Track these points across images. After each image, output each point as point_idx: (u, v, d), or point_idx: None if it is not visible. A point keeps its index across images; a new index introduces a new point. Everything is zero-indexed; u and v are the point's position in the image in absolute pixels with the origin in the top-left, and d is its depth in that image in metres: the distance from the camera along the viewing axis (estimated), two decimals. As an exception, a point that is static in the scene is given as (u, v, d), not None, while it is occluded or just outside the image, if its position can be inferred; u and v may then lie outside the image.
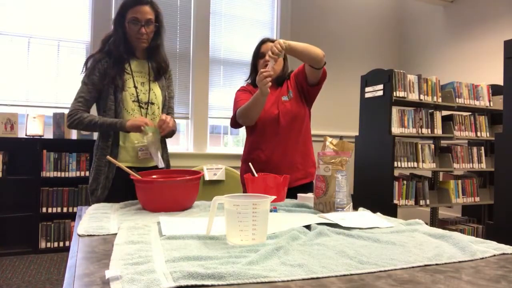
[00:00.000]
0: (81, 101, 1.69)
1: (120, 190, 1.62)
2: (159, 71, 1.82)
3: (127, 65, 1.75)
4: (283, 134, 1.95)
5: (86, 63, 1.73)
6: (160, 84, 1.83)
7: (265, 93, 1.74)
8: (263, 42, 2.04)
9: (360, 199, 3.34)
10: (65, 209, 3.53)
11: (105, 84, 1.69)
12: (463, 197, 3.55)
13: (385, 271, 0.76)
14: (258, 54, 2.02)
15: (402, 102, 3.37)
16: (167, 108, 1.88)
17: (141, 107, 1.75)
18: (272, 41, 2.03)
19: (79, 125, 1.67)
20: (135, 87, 1.74)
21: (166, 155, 1.87)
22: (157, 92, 1.80)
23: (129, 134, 1.71)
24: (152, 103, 1.78)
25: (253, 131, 2.01)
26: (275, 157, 1.94)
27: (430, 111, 3.48)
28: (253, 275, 0.69)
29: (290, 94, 2.00)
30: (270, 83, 1.72)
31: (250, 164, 1.72)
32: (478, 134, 3.67)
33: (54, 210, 3.50)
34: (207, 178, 2.16)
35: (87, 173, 3.56)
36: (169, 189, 1.32)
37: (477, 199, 3.64)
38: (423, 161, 3.37)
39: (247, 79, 2.13)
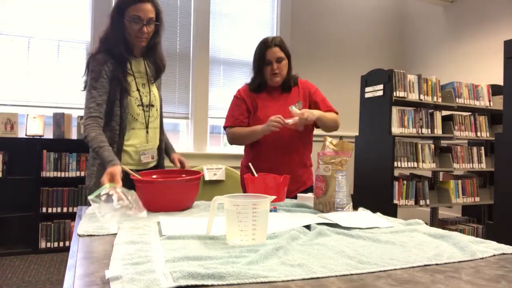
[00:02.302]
0: (92, 106, 1.54)
1: None
2: (157, 71, 1.77)
3: (128, 65, 1.68)
4: (283, 144, 1.90)
5: (88, 65, 1.63)
6: (156, 83, 1.79)
7: (266, 132, 1.80)
8: (268, 46, 1.89)
9: (360, 199, 3.33)
10: (65, 209, 3.53)
11: (112, 87, 1.61)
12: (463, 197, 3.55)
13: (385, 271, 0.76)
14: (264, 60, 1.90)
15: (402, 102, 3.37)
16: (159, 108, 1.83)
17: (144, 110, 1.69)
18: (275, 43, 1.90)
19: (88, 143, 1.53)
20: (138, 89, 1.68)
21: (162, 158, 1.84)
22: (155, 93, 1.76)
23: (129, 139, 1.66)
24: (152, 105, 1.73)
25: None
26: (275, 166, 1.83)
27: (430, 111, 3.48)
28: (253, 275, 0.69)
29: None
30: (278, 129, 1.78)
31: (250, 164, 1.72)
32: (478, 134, 3.67)
33: (54, 210, 3.49)
34: (207, 178, 2.17)
35: (87, 173, 3.55)
36: (169, 189, 1.32)
37: (477, 199, 3.64)
38: (423, 161, 3.37)
39: (250, 82, 2.01)
